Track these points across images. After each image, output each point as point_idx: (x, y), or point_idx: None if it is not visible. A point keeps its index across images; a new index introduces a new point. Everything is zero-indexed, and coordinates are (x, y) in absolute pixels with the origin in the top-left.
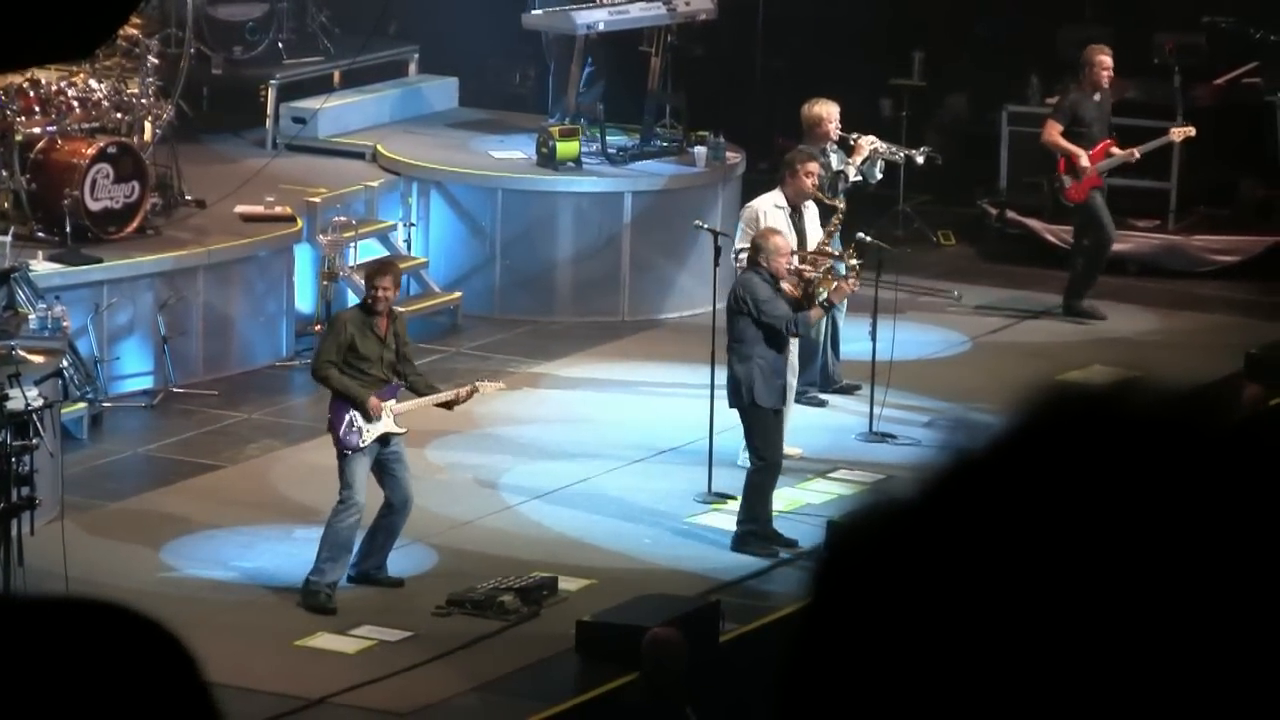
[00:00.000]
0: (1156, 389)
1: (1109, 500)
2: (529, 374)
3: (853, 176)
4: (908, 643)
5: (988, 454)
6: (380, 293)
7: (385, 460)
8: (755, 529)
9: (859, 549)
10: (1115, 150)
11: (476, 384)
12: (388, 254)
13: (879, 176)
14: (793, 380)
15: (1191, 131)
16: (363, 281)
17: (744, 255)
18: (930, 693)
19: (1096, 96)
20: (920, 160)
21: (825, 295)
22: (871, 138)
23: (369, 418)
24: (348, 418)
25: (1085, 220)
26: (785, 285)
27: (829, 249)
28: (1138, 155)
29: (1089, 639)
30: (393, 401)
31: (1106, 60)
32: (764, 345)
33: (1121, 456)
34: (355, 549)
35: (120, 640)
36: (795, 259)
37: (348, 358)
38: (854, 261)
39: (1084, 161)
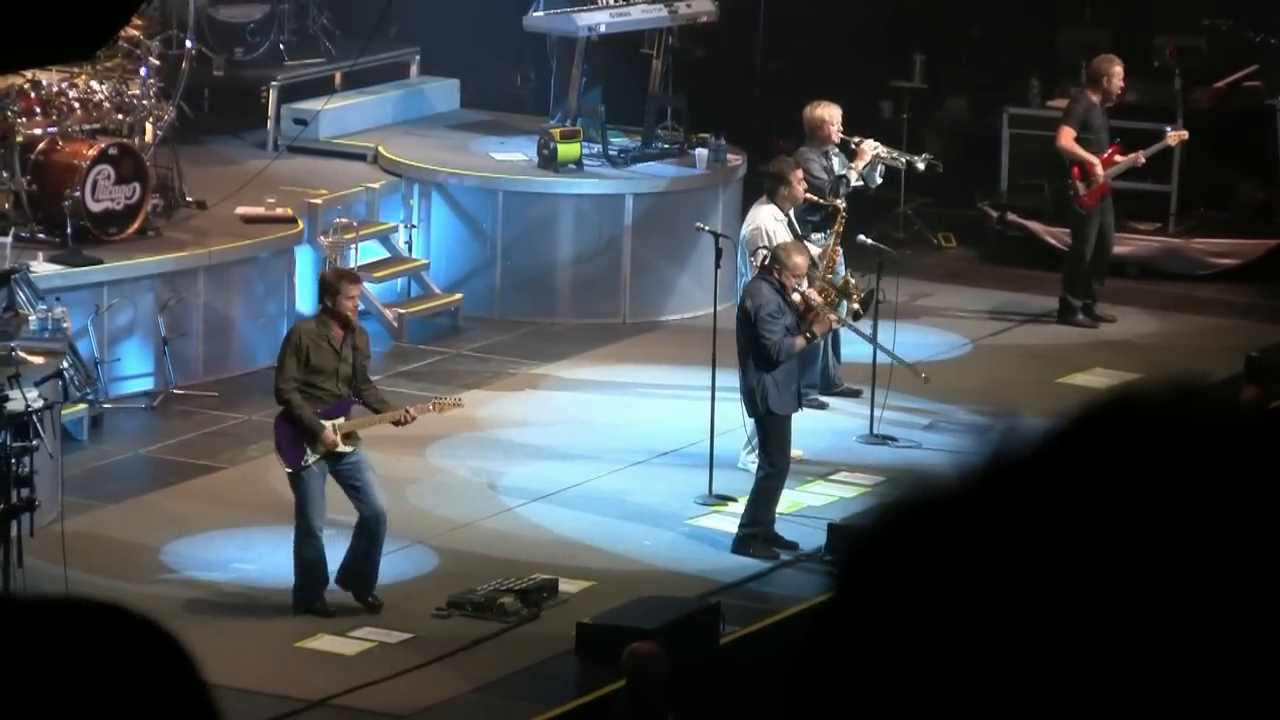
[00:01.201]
0: (1215, 402)
1: (1155, 509)
2: (529, 375)
3: (854, 181)
4: (935, 645)
5: (1034, 457)
6: (352, 303)
7: (344, 473)
8: (757, 531)
9: (887, 547)
10: (1119, 157)
11: (433, 402)
12: (383, 258)
13: (879, 181)
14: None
15: (1185, 135)
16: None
17: None
18: (958, 698)
19: (1100, 100)
20: (921, 166)
21: (808, 326)
22: (874, 142)
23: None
24: (291, 435)
25: (1090, 225)
26: (794, 297)
27: (836, 281)
28: (1143, 160)
29: (1126, 648)
30: (341, 420)
31: (1121, 71)
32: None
33: (1174, 467)
34: (344, 558)
35: (117, 640)
36: (809, 281)
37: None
38: (856, 306)
39: (1099, 170)
